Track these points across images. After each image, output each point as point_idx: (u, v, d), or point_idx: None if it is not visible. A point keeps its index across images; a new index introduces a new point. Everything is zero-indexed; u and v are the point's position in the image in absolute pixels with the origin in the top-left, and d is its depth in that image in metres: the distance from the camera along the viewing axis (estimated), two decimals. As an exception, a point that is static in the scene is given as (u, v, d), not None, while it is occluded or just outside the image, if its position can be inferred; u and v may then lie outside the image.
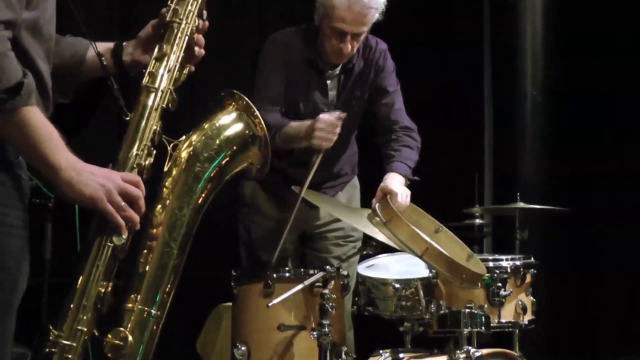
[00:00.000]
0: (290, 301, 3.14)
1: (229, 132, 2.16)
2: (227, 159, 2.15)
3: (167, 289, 2.04)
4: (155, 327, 2.03)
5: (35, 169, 1.85)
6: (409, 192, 3.45)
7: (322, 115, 3.33)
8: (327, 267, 3.18)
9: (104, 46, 2.20)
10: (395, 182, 3.44)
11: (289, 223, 3.37)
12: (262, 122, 2.18)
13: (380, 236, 3.18)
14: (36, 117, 1.75)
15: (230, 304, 3.43)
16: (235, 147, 2.16)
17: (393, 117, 3.67)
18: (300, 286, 3.12)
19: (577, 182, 5.44)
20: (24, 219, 1.85)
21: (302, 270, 3.29)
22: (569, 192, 5.31)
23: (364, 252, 3.50)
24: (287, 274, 3.25)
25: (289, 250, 3.67)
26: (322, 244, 3.74)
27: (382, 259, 3.88)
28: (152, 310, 2.01)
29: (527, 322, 3.67)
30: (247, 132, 2.18)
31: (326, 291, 3.13)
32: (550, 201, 4.77)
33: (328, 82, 3.60)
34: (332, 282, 3.18)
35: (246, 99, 2.19)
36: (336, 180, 3.78)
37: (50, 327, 1.86)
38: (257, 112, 2.18)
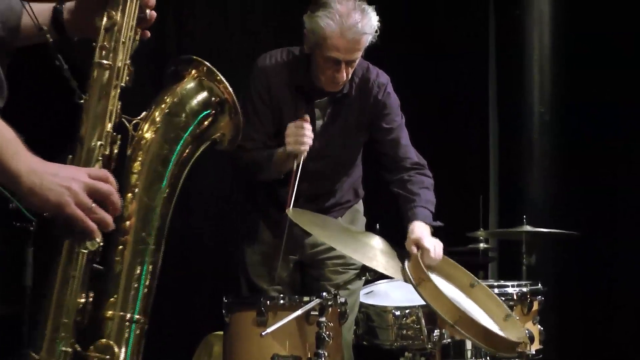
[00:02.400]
0: (284, 330, 3.14)
1: (194, 103, 2.02)
2: (196, 133, 2.02)
3: (147, 290, 1.92)
4: (139, 332, 1.92)
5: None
6: (441, 245, 3.40)
7: (288, 125, 3.37)
8: (324, 293, 3.19)
9: (41, 8, 2.04)
10: (425, 235, 3.38)
11: (283, 246, 3.39)
12: (228, 86, 2.04)
13: (380, 267, 3.18)
14: None
15: (221, 333, 3.44)
16: (203, 120, 2.02)
17: (401, 155, 3.65)
18: (295, 314, 3.12)
19: (587, 204, 5.46)
20: None
21: (297, 297, 3.29)
22: (578, 215, 5.33)
23: (363, 278, 3.50)
24: (282, 302, 3.25)
25: (283, 277, 3.67)
26: (320, 270, 3.74)
27: (382, 285, 3.88)
28: (135, 315, 1.90)
29: (534, 353, 3.67)
30: (213, 99, 2.04)
31: (323, 319, 3.14)
32: (559, 224, 4.79)
33: (316, 110, 3.60)
34: (329, 309, 3.19)
35: (207, 63, 2.04)
36: (337, 207, 3.78)
37: (30, 353, 1.78)
38: (221, 77, 2.03)
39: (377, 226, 3.50)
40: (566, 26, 5.64)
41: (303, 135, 3.34)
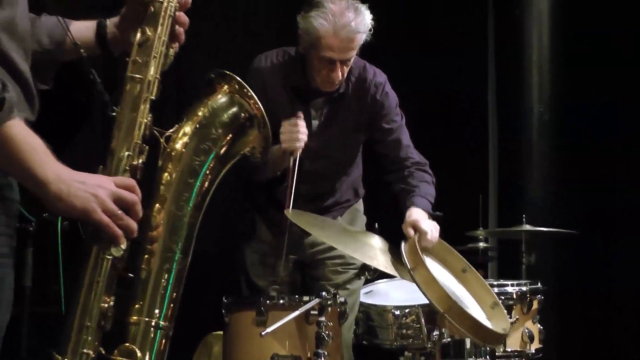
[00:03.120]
0: (284, 330, 3.15)
1: (224, 117, 2.09)
2: (225, 147, 2.08)
3: (173, 297, 1.99)
4: (164, 339, 1.98)
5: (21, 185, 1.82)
6: (437, 227, 3.42)
7: (282, 123, 3.37)
8: (323, 293, 3.19)
9: (85, 25, 2.14)
10: (422, 218, 3.40)
11: (285, 245, 3.39)
12: (258, 102, 2.11)
13: (379, 263, 3.18)
14: (19, 130, 1.71)
15: (221, 333, 3.44)
16: (232, 133, 2.09)
17: (402, 155, 3.64)
18: (295, 314, 3.13)
19: (586, 204, 5.46)
20: (11, 246, 1.83)
21: (296, 297, 3.29)
22: (578, 214, 5.33)
23: (362, 278, 3.51)
24: (281, 301, 3.25)
25: (283, 277, 3.67)
26: (320, 270, 3.74)
27: (382, 284, 3.89)
28: (160, 322, 1.96)
29: (534, 352, 3.69)
30: (243, 114, 2.10)
31: (322, 319, 3.14)
32: (558, 223, 4.79)
33: (312, 110, 3.60)
34: (329, 309, 3.19)
35: (238, 79, 2.11)
36: (336, 206, 3.78)
37: (54, 354, 1.82)
38: (251, 92, 2.10)
39: (376, 225, 3.50)
40: (565, 26, 5.64)
41: (297, 132, 3.34)
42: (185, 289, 2.03)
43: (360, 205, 3.89)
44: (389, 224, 3.49)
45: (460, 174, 5.61)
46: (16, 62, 1.77)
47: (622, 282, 5.48)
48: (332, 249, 3.63)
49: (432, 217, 3.46)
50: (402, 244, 3.22)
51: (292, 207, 3.27)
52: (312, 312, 3.17)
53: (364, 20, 3.38)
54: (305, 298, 3.23)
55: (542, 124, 5.60)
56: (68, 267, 3.52)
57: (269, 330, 3.08)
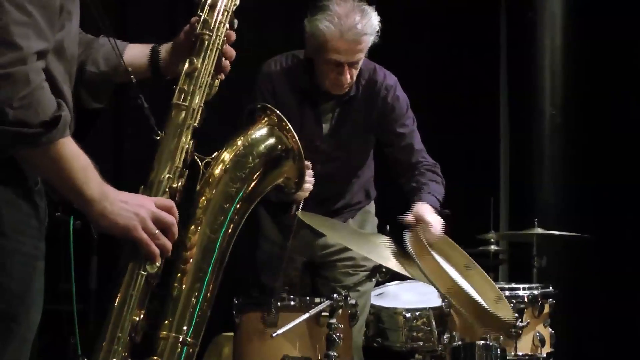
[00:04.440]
0: (295, 331, 3.15)
1: (262, 148, 2.21)
2: (261, 176, 2.20)
3: (201, 314, 2.08)
4: (190, 354, 2.08)
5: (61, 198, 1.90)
6: (442, 222, 3.41)
7: None
8: (334, 295, 3.19)
9: (139, 49, 2.26)
10: (428, 211, 3.40)
11: (288, 246, 3.40)
12: (295, 135, 2.22)
13: (391, 264, 3.18)
14: (70, 148, 1.79)
15: (231, 334, 3.44)
16: (268, 164, 2.21)
17: (414, 160, 3.64)
18: (305, 315, 3.13)
19: (598, 207, 5.44)
20: (42, 250, 1.87)
21: (307, 298, 3.29)
22: (589, 217, 5.32)
23: (374, 280, 3.51)
24: (292, 303, 3.26)
25: (293, 278, 3.67)
26: (331, 272, 3.73)
27: (393, 287, 3.89)
28: (187, 338, 2.06)
29: (545, 356, 3.68)
30: (280, 146, 2.22)
31: (333, 321, 3.15)
32: (570, 227, 4.78)
33: (322, 114, 3.60)
34: (340, 311, 3.19)
35: (278, 112, 2.23)
36: (347, 208, 3.78)
37: None
38: (290, 126, 2.22)
39: (388, 227, 3.50)
40: (578, 28, 5.63)
41: (306, 182, 3.32)
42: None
43: (371, 206, 3.88)
44: (401, 225, 3.49)
45: (471, 176, 5.60)
46: (60, 83, 1.84)
47: (634, 286, 5.46)
48: (343, 250, 3.63)
49: (440, 214, 3.46)
50: (406, 234, 3.20)
51: (303, 208, 3.26)
52: (323, 313, 3.17)
53: (371, 21, 3.38)
54: (317, 300, 3.23)
55: (554, 127, 5.59)
56: (79, 266, 3.54)
57: (279, 331, 3.09)
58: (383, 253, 3.23)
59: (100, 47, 2.19)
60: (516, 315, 3.52)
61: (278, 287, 3.62)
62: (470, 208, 5.32)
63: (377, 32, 3.41)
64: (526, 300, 3.66)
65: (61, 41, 1.84)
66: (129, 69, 2.15)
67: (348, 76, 3.42)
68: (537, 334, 3.65)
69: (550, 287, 3.83)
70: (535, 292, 3.72)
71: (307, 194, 3.32)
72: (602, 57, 5.51)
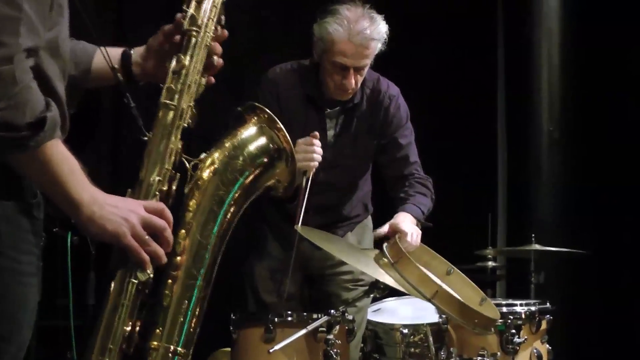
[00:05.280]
0: (292, 347, 3.15)
1: (253, 148, 2.12)
2: (252, 178, 2.11)
3: (193, 324, 2.01)
4: None
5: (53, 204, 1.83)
6: (419, 232, 3.43)
7: (297, 141, 3.37)
8: (332, 311, 3.19)
9: (111, 53, 2.15)
10: (406, 221, 3.43)
11: (292, 262, 3.39)
12: (287, 135, 2.14)
13: (389, 279, 3.18)
14: (58, 151, 1.73)
15: (229, 349, 3.44)
16: (260, 165, 2.12)
17: (407, 172, 3.67)
18: (303, 331, 3.13)
19: (596, 223, 5.45)
20: (37, 266, 1.82)
21: (305, 314, 3.29)
22: (587, 234, 5.32)
23: (371, 295, 3.50)
24: (290, 318, 3.25)
25: (291, 292, 3.67)
26: (329, 287, 3.74)
27: (390, 302, 3.88)
28: (178, 348, 1.99)
29: (542, 372, 3.67)
30: (271, 146, 2.13)
31: (331, 336, 3.15)
32: (568, 243, 4.79)
33: (327, 120, 3.61)
34: (337, 326, 3.19)
35: (268, 111, 2.14)
36: (346, 221, 3.79)
37: None
38: (281, 125, 2.13)
39: (385, 244, 3.50)
40: (575, 45, 5.65)
41: (312, 151, 3.34)
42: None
43: (369, 221, 3.90)
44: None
45: (469, 192, 5.62)
46: (54, 82, 1.78)
47: (632, 302, 5.46)
48: (342, 265, 3.64)
49: (422, 225, 3.47)
50: (384, 244, 3.20)
51: (304, 219, 3.26)
52: (320, 329, 3.17)
53: (379, 28, 3.42)
54: (314, 315, 3.23)
55: (551, 143, 5.61)
56: (77, 282, 3.53)
57: (277, 347, 3.09)
58: (379, 268, 3.23)
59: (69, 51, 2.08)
60: (519, 341, 3.52)
61: (278, 303, 3.63)
62: (468, 224, 5.33)
63: (385, 40, 3.44)
64: (524, 316, 3.65)
65: (55, 38, 1.78)
66: (115, 66, 2.09)
67: (353, 81, 3.45)
68: (535, 351, 3.65)
69: (548, 304, 3.82)
70: (533, 308, 3.71)
71: (316, 164, 3.34)
72: (600, 73, 5.53)
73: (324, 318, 3.17)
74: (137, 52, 2.19)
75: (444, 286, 3.07)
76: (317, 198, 3.50)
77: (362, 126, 3.63)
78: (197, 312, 2.02)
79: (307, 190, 3.31)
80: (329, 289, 3.74)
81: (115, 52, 2.18)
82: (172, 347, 1.98)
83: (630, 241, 5.54)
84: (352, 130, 3.63)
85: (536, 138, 5.63)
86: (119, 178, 4.59)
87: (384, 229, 3.40)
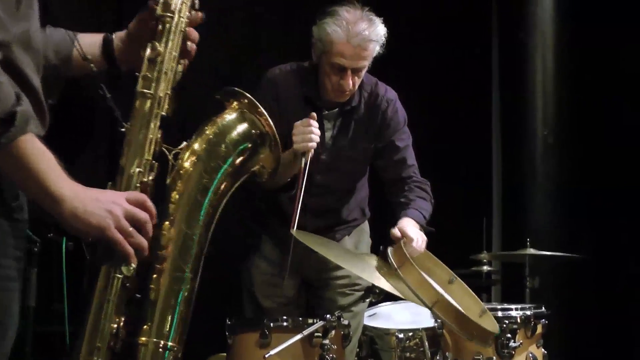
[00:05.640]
0: (288, 352, 3.15)
1: (235, 134, 2.07)
2: (236, 164, 2.06)
3: (183, 317, 1.97)
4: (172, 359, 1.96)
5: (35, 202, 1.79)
6: (425, 238, 3.42)
7: (295, 124, 3.37)
8: (327, 315, 3.19)
9: (91, 39, 2.13)
10: (411, 226, 3.41)
11: (288, 265, 3.38)
12: (269, 120, 2.09)
13: (385, 284, 3.18)
14: (33, 146, 1.68)
15: (224, 354, 3.43)
16: (243, 151, 2.07)
17: (405, 175, 3.67)
18: (298, 336, 3.13)
19: (591, 227, 5.46)
20: (18, 269, 1.80)
21: (300, 319, 3.29)
22: (582, 238, 5.33)
23: (367, 300, 3.50)
24: (285, 323, 3.25)
25: (290, 296, 3.67)
26: (326, 292, 3.73)
27: (386, 307, 3.88)
28: (169, 342, 1.94)
29: (538, 376, 3.67)
30: (254, 131, 2.08)
31: (326, 341, 3.15)
32: (563, 247, 4.79)
33: (325, 122, 3.62)
34: (333, 331, 3.19)
35: (249, 95, 2.09)
36: (344, 225, 3.79)
37: None
38: (262, 109, 2.07)
39: (382, 248, 3.50)
40: (570, 49, 5.66)
41: (310, 132, 3.33)
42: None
43: (366, 226, 3.90)
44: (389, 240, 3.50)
45: (464, 197, 5.62)
46: (29, 75, 1.75)
47: (627, 306, 5.47)
48: (339, 270, 3.63)
49: (424, 230, 3.47)
50: (389, 248, 3.20)
51: (301, 222, 3.24)
52: (316, 334, 3.17)
53: (377, 30, 3.43)
54: (310, 320, 3.23)
55: (546, 147, 5.61)
56: (72, 287, 3.53)
57: (272, 352, 3.08)
58: (375, 273, 3.23)
59: (48, 39, 2.04)
60: (514, 345, 3.51)
61: (276, 308, 3.62)
62: (463, 228, 5.33)
63: (383, 42, 3.45)
64: (519, 320, 3.65)
65: (27, 31, 1.74)
66: (89, 57, 2.05)
67: (350, 82, 3.45)
68: (530, 355, 3.65)
69: (543, 308, 3.83)
70: (528, 312, 3.72)
71: (314, 145, 3.31)
72: (594, 77, 5.54)
73: (320, 323, 3.17)
74: (118, 37, 2.15)
75: (445, 295, 3.07)
76: (315, 201, 3.50)
77: (360, 129, 3.64)
78: (185, 305, 1.98)
79: (306, 174, 3.27)
80: (326, 294, 3.74)
81: (97, 38, 2.14)
82: (162, 342, 1.94)
83: (625, 245, 5.54)
84: (350, 133, 3.63)
85: (531, 142, 5.64)
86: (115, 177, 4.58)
87: (395, 231, 3.36)
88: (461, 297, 3.28)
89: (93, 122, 4.37)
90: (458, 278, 3.35)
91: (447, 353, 3.45)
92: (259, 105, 2.09)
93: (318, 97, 3.59)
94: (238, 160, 2.07)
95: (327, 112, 3.61)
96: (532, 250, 4.60)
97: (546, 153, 5.61)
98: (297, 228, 3.19)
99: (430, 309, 3.00)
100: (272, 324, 3.22)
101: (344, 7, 3.44)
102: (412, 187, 3.64)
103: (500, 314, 3.61)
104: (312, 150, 3.32)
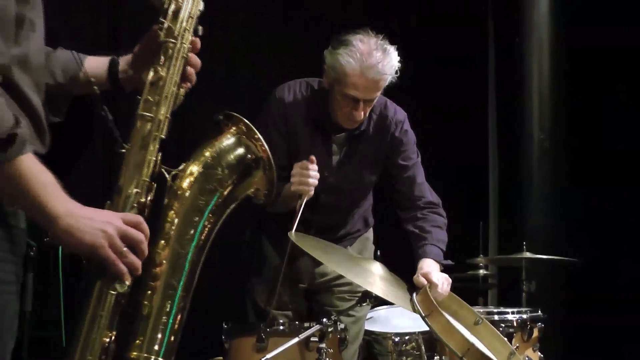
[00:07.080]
0: (284, 356, 3.14)
1: (231, 158, 2.12)
2: (230, 187, 2.11)
3: (174, 333, 2.00)
4: None
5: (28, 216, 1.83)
6: (449, 281, 3.39)
7: (294, 165, 3.37)
8: (324, 319, 3.18)
9: (98, 61, 2.20)
10: (433, 270, 3.38)
11: (282, 269, 3.38)
12: (264, 144, 2.14)
13: (378, 290, 3.18)
14: (30, 165, 1.72)
15: (221, 359, 3.43)
16: (238, 174, 2.13)
17: (417, 193, 3.65)
18: (295, 340, 3.12)
19: (587, 231, 5.47)
20: (17, 274, 1.82)
21: (297, 323, 3.28)
22: (578, 242, 5.33)
23: (365, 305, 3.50)
24: (282, 327, 3.25)
25: (286, 302, 3.66)
26: (327, 297, 3.72)
27: (382, 311, 3.88)
28: (159, 358, 1.98)
29: (534, 380, 3.67)
30: (249, 156, 2.14)
31: (323, 345, 3.14)
32: (559, 251, 4.80)
33: (333, 145, 3.60)
34: (329, 335, 3.18)
35: (245, 120, 2.14)
36: (347, 236, 3.78)
37: None
38: (259, 135, 2.14)
39: (379, 253, 3.50)
40: (566, 54, 5.67)
41: (307, 176, 3.32)
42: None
43: (370, 234, 3.89)
44: (390, 251, 3.49)
45: (460, 201, 5.61)
46: (28, 96, 1.78)
47: (623, 310, 5.48)
48: (340, 276, 3.62)
49: (443, 266, 3.45)
50: (414, 294, 3.20)
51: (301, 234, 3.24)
52: (312, 338, 3.17)
53: (391, 62, 3.37)
54: (306, 324, 3.22)
55: (542, 152, 5.62)
56: (68, 292, 3.53)
57: (269, 356, 3.08)
58: (369, 278, 3.22)
59: (57, 59, 2.12)
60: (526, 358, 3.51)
61: (274, 312, 3.62)
62: (459, 232, 5.31)
63: (396, 72, 3.42)
64: (515, 324, 3.66)
65: (25, 54, 1.78)
66: (92, 79, 2.10)
67: (362, 112, 3.42)
68: (527, 358, 3.65)
69: (539, 311, 3.83)
70: (524, 316, 3.72)
71: (311, 190, 3.32)
72: (590, 81, 5.55)
73: (316, 327, 3.17)
74: (124, 60, 2.21)
75: (476, 343, 3.04)
76: (319, 219, 3.51)
77: (368, 151, 3.61)
78: (177, 322, 2.01)
79: (300, 213, 3.28)
80: (326, 299, 3.73)
81: (103, 60, 2.21)
82: (152, 357, 1.97)
83: (620, 249, 5.55)
84: (357, 157, 3.60)
85: (527, 146, 5.64)
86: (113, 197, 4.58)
87: (420, 279, 3.32)
88: (489, 340, 3.25)
89: (91, 135, 4.38)
90: (484, 319, 3.33)
91: (443, 357, 3.45)
92: (256, 131, 2.14)
93: (327, 121, 3.55)
94: (233, 183, 2.12)
95: (335, 135, 3.59)
96: (528, 254, 4.61)
97: (542, 157, 5.62)
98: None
99: (461, 358, 2.97)
100: (268, 329, 3.22)
101: (358, 37, 3.37)
102: (425, 213, 3.60)
103: (496, 317, 3.61)
104: (309, 194, 3.32)
